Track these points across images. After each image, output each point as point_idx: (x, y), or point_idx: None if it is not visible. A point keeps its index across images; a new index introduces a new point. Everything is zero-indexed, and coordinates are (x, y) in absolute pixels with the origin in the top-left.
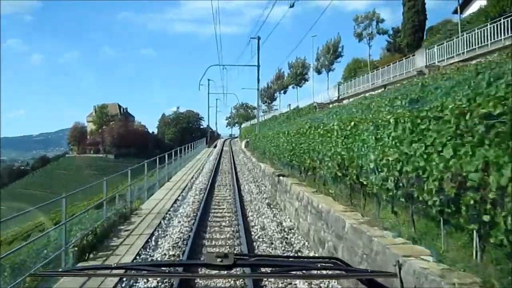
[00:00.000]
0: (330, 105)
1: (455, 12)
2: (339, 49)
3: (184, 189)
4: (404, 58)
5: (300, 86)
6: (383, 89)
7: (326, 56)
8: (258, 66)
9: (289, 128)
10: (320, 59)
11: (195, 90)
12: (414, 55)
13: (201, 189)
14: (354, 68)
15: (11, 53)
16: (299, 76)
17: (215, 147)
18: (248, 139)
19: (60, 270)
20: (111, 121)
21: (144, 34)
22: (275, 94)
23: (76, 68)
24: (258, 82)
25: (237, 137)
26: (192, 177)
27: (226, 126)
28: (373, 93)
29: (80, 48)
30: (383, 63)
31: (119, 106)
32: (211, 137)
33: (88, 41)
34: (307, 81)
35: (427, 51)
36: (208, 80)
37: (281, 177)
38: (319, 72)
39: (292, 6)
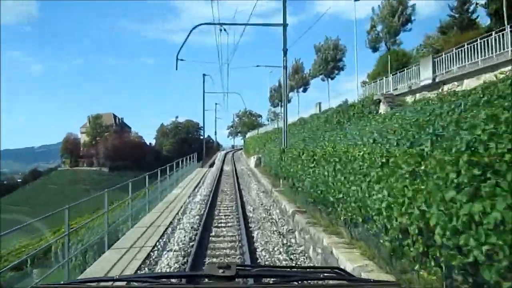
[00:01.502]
0: (409, 97)
1: None
2: (409, 9)
3: None
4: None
5: (332, 78)
6: None
7: (388, 19)
8: (285, 25)
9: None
10: (376, 27)
11: (195, 100)
12: None
13: None
14: (391, 61)
15: (12, 64)
16: (330, 64)
17: (212, 166)
18: (260, 155)
19: (62, 282)
20: (106, 132)
21: (144, 44)
22: (290, 94)
23: (76, 78)
24: (285, 54)
25: (241, 148)
26: None
27: (228, 136)
28: None
29: (80, 58)
30: (451, 45)
31: (115, 116)
32: (208, 149)
33: (87, 51)
34: (342, 70)
35: None
36: (204, 75)
37: None
38: (375, 49)
39: None
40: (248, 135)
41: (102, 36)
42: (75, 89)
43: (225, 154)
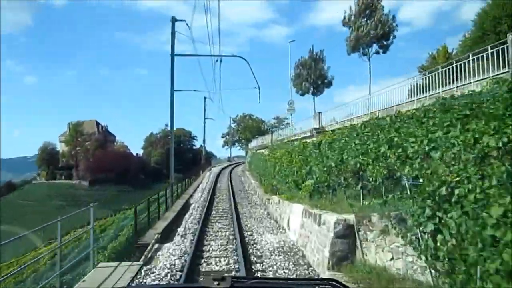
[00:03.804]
0: None
1: None
2: None
3: None
4: None
5: None
6: None
7: None
8: None
9: None
10: None
11: (187, 107)
12: None
13: None
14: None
15: (6, 74)
16: None
17: (178, 221)
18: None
19: None
20: (87, 141)
21: (138, 54)
22: (328, 75)
23: (69, 88)
24: None
25: (242, 162)
26: None
27: (223, 146)
28: None
29: (72, 69)
30: None
31: (97, 124)
32: (194, 162)
33: (80, 61)
34: None
35: None
36: (173, 18)
37: None
38: None
39: None
40: (253, 144)
41: (97, 46)
42: (67, 99)
43: (218, 176)
